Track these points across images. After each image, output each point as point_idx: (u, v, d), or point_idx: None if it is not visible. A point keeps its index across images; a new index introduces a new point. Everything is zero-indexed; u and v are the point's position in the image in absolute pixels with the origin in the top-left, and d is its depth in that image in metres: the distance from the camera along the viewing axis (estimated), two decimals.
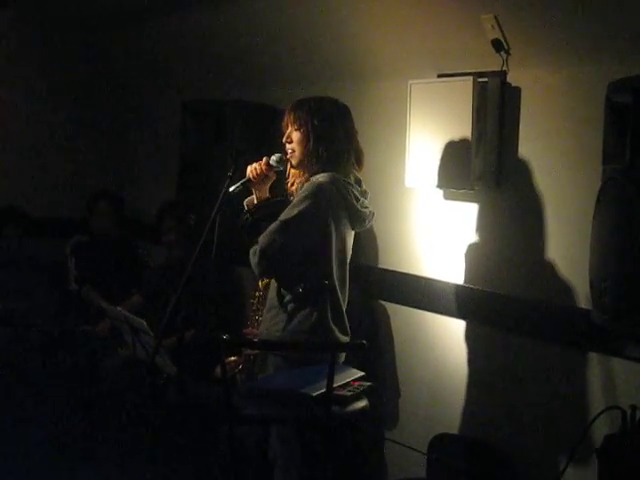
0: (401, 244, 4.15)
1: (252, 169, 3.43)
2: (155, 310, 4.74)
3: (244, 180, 3.43)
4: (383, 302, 4.27)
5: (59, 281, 5.80)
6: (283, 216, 3.29)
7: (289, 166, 3.47)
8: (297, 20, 4.34)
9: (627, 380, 3.15)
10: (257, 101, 4.97)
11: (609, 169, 2.65)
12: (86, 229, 5.94)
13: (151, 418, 4.39)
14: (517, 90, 3.54)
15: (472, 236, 3.79)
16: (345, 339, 3.40)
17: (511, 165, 3.59)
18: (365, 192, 3.46)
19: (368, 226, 3.56)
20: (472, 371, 3.81)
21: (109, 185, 6.27)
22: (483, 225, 3.74)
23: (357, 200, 3.39)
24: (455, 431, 3.84)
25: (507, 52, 3.45)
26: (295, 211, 3.27)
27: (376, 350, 4.19)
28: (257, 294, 4.10)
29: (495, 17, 3.35)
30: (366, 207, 3.44)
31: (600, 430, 2.98)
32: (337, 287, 3.38)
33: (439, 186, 3.75)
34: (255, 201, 3.49)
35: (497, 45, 3.44)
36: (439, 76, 3.78)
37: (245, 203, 3.51)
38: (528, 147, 3.54)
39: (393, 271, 4.18)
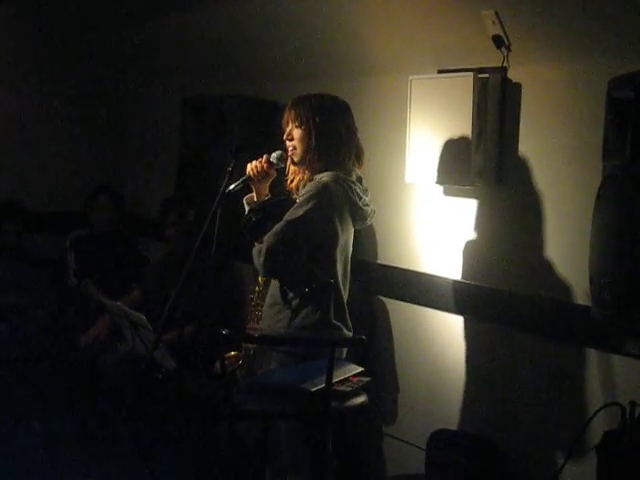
0: (401, 240, 4.15)
1: (252, 167, 3.42)
2: (155, 305, 4.74)
3: (244, 178, 3.42)
4: (382, 298, 4.27)
5: (58, 276, 5.80)
6: (289, 216, 3.28)
7: (288, 163, 3.46)
8: (297, 16, 4.33)
9: (626, 376, 3.15)
10: (257, 97, 4.97)
11: (609, 165, 2.64)
12: (86, 224, 5.94)
13: (150, 414, 4.40)
14: (518, 86, 3.54)
15: (472, 232, 3.79)
16: (348, 334, 3.41)
17: (511, 161, 3.59)
18: (366, 190, 3.46)
19: (369, 223, 3.57)
20: (471, 367, 3.81)
21: (109, 180, 6.27)
22: (483, 221, 3.74)
23: (360, 198, 3.39)
24: (454, 427, 3.85)
25: (508, 48, 3.45)
26: (301, 211, 3.27)
27: (375, 346, 4.19)
28: (257, 289, 4.10)
29: (496, 13, 3.35)
30: (368, 205, 3.44)
31: (599, 426, 2.97)
32: (340, 284, 3.38)
33: (439, 182, 3.75)
34: (255, 198, 3.48)
35: (498, 41, 3.43)
36: (439, 72, 3.77)
37: (245, 200, 3.51)
38: (528, 143, 3.54)
39: (393, 267, 4.18)
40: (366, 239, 4.24)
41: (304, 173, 3.45)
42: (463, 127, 3.55)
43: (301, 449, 3.42)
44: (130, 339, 4.31)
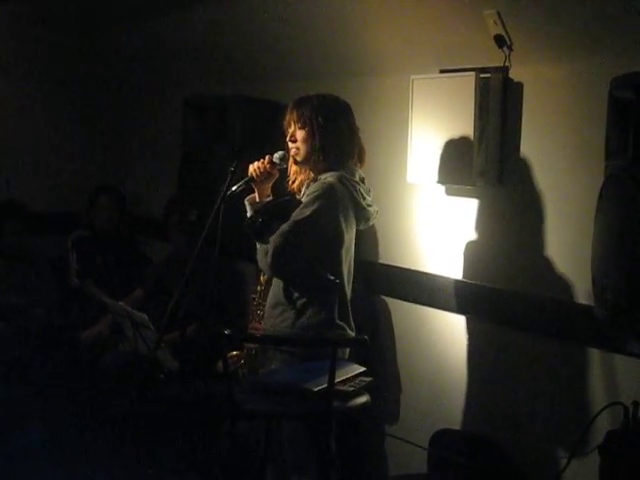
0: (403, 240, 4.15)
1: (255, 168, 3.41)
2: (157, 305, 4.74)
3: (247, 179, 3.41)
4: (384, 297, 4.27)
5: (60, 276, 5.80)
6: (295, 216, 3.28)
7: (291, 164, 3.46)
8: (299, 15, 4.33)
9: (629, 376, 3.15)
10: (258, 97, 4.97)
11: (611, 165, 2.64)
12: (87, 224, 5.95)
13: (152, 413, 4.40)
14: (519, 86, 3.54)
15: (474, 232, 3.79)
16: (351, 334, 3.41)
17: (513, 161, 3.59)
18: (369, 190, 3.46)
19: (372, 224, 3.57)
20: (473, 367, 3.81)
21: (110, 180, 6.28)
22: (485, 221, 3.74)
23: (364, 199, 3.39)
24: (456, 427, 3.85)
25: (509, 48, 3.45)
26: (307, 211, 3.26)
27: (377, 345, 4.19)
28: (259, 289, 4.10)
29: (498, 13, 3.35)
30: (371, 205, 3.45)
31: (602, 426, 2.98)
32: (345, 283, 3.39)
33: (441, 182, 3.75)
34: (257, 199, 3.48)
35: (499, 41, 3.43)
36: (441, 72, 3.77)
37: (247, 201, 3.50)
38: (530, 143, 3.53)
39: (395, 267, 4.18)
40: (368, 239, 4.24)
41: (306, 173, 3.45)
42: (465, 127, 3.55)
43: (304, 449, 3.42)
44: (132, 339, 4.31)
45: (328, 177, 3.33)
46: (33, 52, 6.21)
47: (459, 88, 3.55)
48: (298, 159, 3.42)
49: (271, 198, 3.48)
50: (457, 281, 3.83)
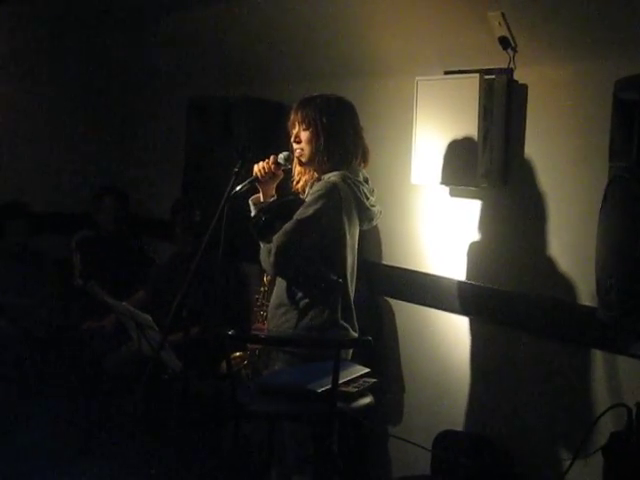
0: (407, 241, 4.15)
1: (260, 168, 3.41)
2: (160, 306, 4.75)
3: (251, 179, 3.41)
4: (388, 299, 4.27)
5: (64, 277, 5.81)
6: (298, 215, 3.28)
7: (295, 164, 3.46)
8: (303, 16, 4.34)
9: (632, 378, 3.15)
10: (262, 97, 4.97)
11: (615, 167, 2.64)
12: (91, 225, 5.96)
13: (156, 414, 4.41)
14: (524, 87, 3.54)
15: (478, 233, 3.79)
16: (354, 335, 3.41)
17: (517, 162, 3.59)
18: (373, 190, 3.46)
19: (375, 224, 3.57)
20: (477, 368, 3.81)
21: (114, 181, 6.29)
22: (489, 222, 3.75)
23: (367, 199, 3.39)
24: (459, 428, 3.85)
25: (514, 49, 3.45)
26: (310, 210, 3.26)
27: (381, 346, 4.20)
28: (262, 289, 4.11)
29: (502, 14, 3.35)
30: (374, 205, 3.45)
31: (605, 428, 2.98)
32: (349, 284, 3.38)
33: (445, 183, 3.75)
34: (262, 199, 3.48)
35: (504, 42, 3.43)
36: (446, 73, 3.77)
37: (251, 201, 3.50)
38: (534, 144, 3.54)
39: (399, 268, 4.18)
40: (372, 240, 4.24)
41: (311, 174, 3.46)
42: (469, 128, 3.56)
43: (305, 449, 3.42)
44: (136, 340, 4.32)
45: (331, 176, 3.33)
46: (34, 52, 6.22)
47: (463, 89, 3.55)
48: (302, 160, 3.42)
49: (275, 198, 3.48)
50: (461, 282, 3.83)
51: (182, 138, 5.41)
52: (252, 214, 3.46)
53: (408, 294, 4.13)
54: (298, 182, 3.49)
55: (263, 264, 3.40)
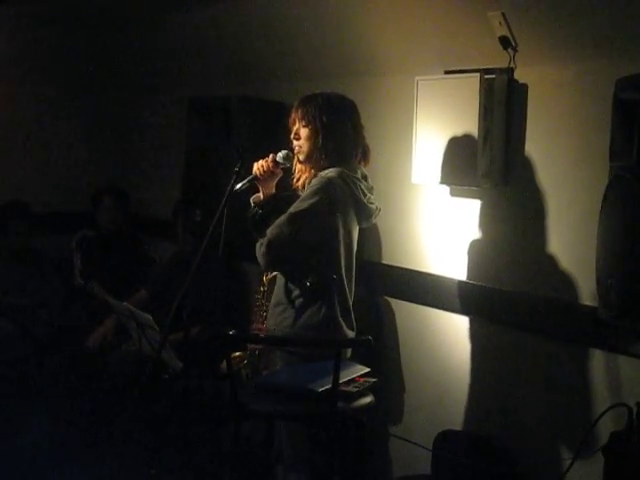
0: (407, 240, 4.15)
1: (259, 166, 3.43)
2: (161, 305, 4.75)
3: (251, 177, 3.42)
4: (388, 298, 4.27)
5: (64, 276, 5.81)
6: (292, 209, 3.30)
7: (295, 162, 3.47)
8: (303, 16, 4.34)
9: (633, 377, 3.15)
10: (263, 97, 4.97)
11: (616, 166, 2.65)
12: (92, 224, 5.96)
13: (156, 414, 4.41)
14: (524, 87, 3.54)
15: (478, 233, 3.79)
16: (351, 334, 3.41)
17: (518, 162, 3.59)
18: (371, 188, 3.47)
19: (374, 222, 3.56)
20: (477, 367, 3.81)
21: (115, 181, 6.28)
22: (489, 222, 3.75)
23: (364, 195, 3.39)
24: (460, 427, 3.85)
25: (514, 49, 3.45)
26: (305, 204, 3.27)
27: (381, 346, 4.19)
28: (262, 289, 4.11)
29: (502, 14, 3.35)
30: (372, 203, 3.45)
31: (606, 427, 2.98)
32: (345, 281, 3.38)
33: (445, 183, 3.75)
34: (262, 198, 3.48)
35: (504, 42, 3.43)
36: (446, 73, 3.78)
37: (252, 200, 3.51)
38: (535, 144, 3.54)
39: (399, 267, 4.18)
40: (372, 239, 4.24)
41: (310, 172, 3.46)
42: (469, 128, 3.56)
43: (301, 448, 3.42)
44: (136, 339, 4.32)
45: (328, 172, 3.34)
46: (34, 52, 6.22)
47: (464, 89, 3.55)
48: (301, 157, 3.43)
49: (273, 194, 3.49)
50: (461, 282, 3.83)
51: (182, 138, 5.41)
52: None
53: (408, 294, 4.13)
54: (298, 180, 3.49)
55: (258, 258, 3.40)
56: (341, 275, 3.37)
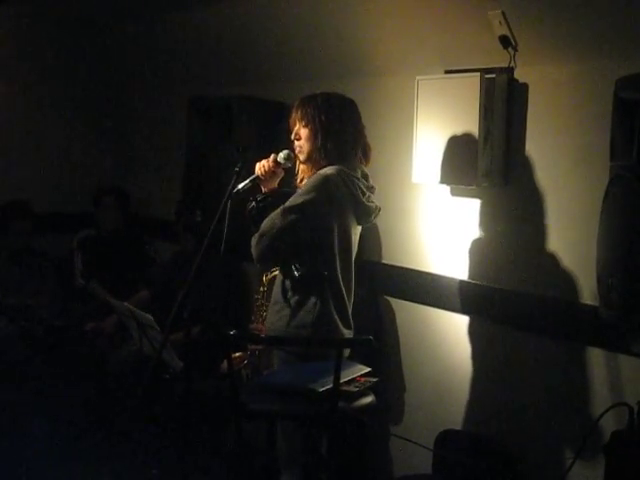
0: (407, 240, 4.15)
1: (260, 166, 3.43)
2: (162, 306, 4.75)
3: (253, 177, 3.43)
4: (388, 298, 4.27)
5: (65, 276, 5.81)
6: (287, 203, 3.30)
7: (298, 162, 3.47)
8: (304, 16, 4.34)
9: (634, 376, 3.16)
10: (263, 97, 4.97)
11: (616, 166, 2.65)
12: (92, 225, 5.96)
13: (157, 414, 4.41)
14: (524, 86, 3.54)
15: (478, 232, 3.79)
16: (348, 333, 3.40)
17: (518, 161, 3.59)
18: (372, 187, 3.46)
19: (373, 221, 3.55)
20: (477, 367, 3.81)
21: (115, 181, 6.29)
22: (489, 221, 3.75)
23: (363, 194, 3.39)
24: (460, 427, 3.85)
25: (514, 48, 3.45)
26: (300, 199, 3.28)
27: (381, 345, 4.19)
28: (262, 289, 4.11)
29: (502, 13, 3.35)
30: (372, 202, 3.44)
31: (607, 426, 2.98)
32: (340, 280, 3.37)
33: (446, 182, 3.75)
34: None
35: (504, 41, 3.44)
36: (446, 72, 3.78)
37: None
38: (535, 143, 3.54)
39: (399, 267, 4.18)
40: (373, 239, 4.24)
41: (312, 171, 3.46)
42: (470, 127, 3.56)
43: (294, 448, 3.42)
44: (137, 339, 4.32)
45: (327, 170, 3.34)
46: (36, 52, 6.21)
47: (464, 89, 3.56)
48: (302, 157, 3.43)
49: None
50: (461, 281, 3.83)
51: (182, 138, 5.41)
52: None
53: (409, 293, 4.13)
54: (302, 180, 3.49)
55: (252, 252, 3.40)
56: (336, 273, 3.35)
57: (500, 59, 3.51)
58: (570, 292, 3.39)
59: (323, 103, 3.40)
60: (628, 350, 3.15)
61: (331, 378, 3.04)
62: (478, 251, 3.79)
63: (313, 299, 3.33)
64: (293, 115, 3.44)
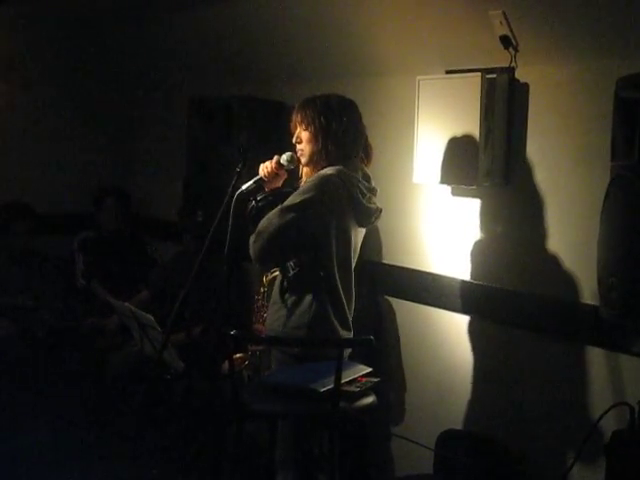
0: (408, 240, 4.15)
1: (264, 167, 3.43)
2: (163, 306, 4.75)
3: (257, 178, 3.42)
4: (389, 298, 4.27)
5: (66, 277, 5.81)
6: (286, 202, 3.29)
7: (301, 165, 3.47)
8: (304, 16, 4.34)
9: (634, 376, 3.16)
10: (264, 97, 4.97)
11: (617, 165, 2.65)
12: (93, 225, 5.96)
13: (158, 414, 4.41)
14: (525, 86, 3.54)
15: (479, 232, 3.79)
16: (346, 333, 3.39)
17: (519, 161, 3.59)
18: (373, 189, 3.44)
19: (374, 222, 3.54)
20: (478, 367, 3.82)
21: (116, 182, 6.28)
22: (490, 221, 3.75)
23: (363, 195, 3.38)
24: (462, 427, 3.85)
25: (515, 48, 3.45)
26: (298, 199, 3.27)
27: (382, 345, 4.20)
28: (262, 290, 4.11)
29: (503, 13, 3.35)
30: (373, 203, 3.43)
31: (608, 426, 2.98)
32: (338, 280, 3.35)
33: (446, 182, 3.75)
34: None
35: (505, 41, 3.44)
36: (447, 72, 3.78)
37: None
38: (536, 143, 3.54)
39: (400, 267, 4.18)
40: (374, 239, 4.24)
41: (313, 173, 3.46)
42: (471, 127, 3.56)
43: (291, 448, 3.42)
44: (138, 340, 4.32)
45: (327, 170, 3.33)
46: (36, 52, 6.21)
47: (465, 89, 3.56)
48: (303, 160, 3.43)
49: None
50: (462, 281, 3.83)
51: (183, 138, 5.41)
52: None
53: (409, 293, 4.13)
54: (305, 183, 3.49)
55: (250, 251, 3.40)
56: (333, 273, 3.34)
57: (501, 59, 3.52)
58: (571, 292, 3.39)
59: (322, 105, 3.40)
60: (629, 350, 3.15)
61: (332, 378, 3.04)
62: (479, 251, 3.80)
63: (309, 300, 3.32)
64: (293, 118, 3.44)
